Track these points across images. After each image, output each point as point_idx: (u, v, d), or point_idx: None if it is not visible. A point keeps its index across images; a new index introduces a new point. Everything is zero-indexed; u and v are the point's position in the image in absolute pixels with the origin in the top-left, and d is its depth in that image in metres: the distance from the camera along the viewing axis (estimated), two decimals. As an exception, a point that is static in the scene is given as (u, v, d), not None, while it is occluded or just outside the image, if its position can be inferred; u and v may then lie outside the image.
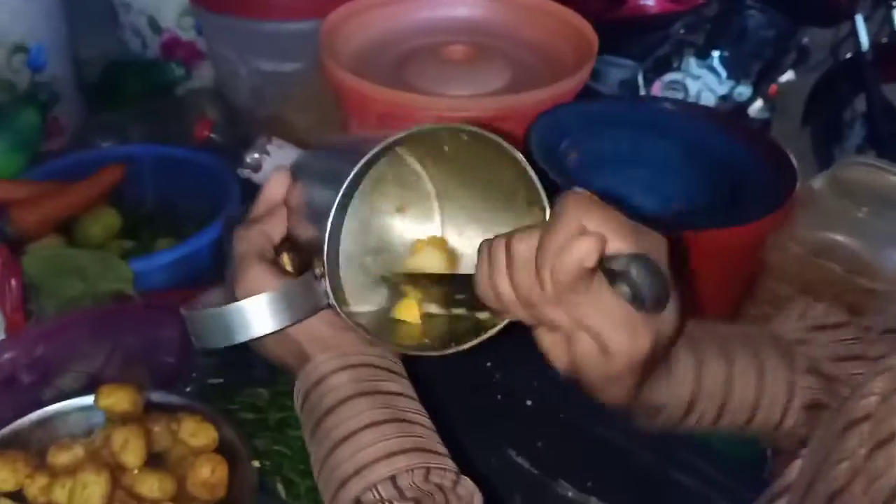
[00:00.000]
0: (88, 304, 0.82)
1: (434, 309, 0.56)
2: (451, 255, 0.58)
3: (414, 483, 0.46)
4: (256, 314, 0.49)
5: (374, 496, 0.46)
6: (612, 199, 0.73)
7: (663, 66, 2.38)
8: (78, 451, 0.66)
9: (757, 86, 2.24)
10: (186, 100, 1.18)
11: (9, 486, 0.64)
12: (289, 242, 0.55)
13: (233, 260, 0.54)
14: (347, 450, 0.48)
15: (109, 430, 0.66)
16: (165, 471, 0.66)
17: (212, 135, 1.05)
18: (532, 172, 0.50)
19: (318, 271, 0.50)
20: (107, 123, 1.16)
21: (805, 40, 2.28)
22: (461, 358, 0.85)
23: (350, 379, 0.50)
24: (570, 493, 0.73)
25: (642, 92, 2.28)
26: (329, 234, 0.48)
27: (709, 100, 2.23)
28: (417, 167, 0.58)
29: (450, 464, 0.49)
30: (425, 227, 0.59)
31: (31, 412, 0.69)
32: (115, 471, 0.64)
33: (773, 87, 2.21)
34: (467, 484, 0.48)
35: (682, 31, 2.32)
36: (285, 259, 0.55)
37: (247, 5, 1.04)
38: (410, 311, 0.56)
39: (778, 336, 0.57)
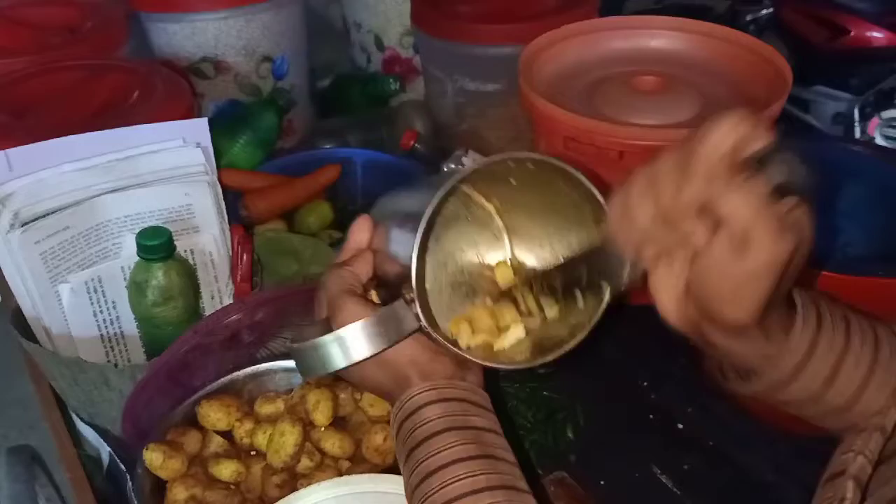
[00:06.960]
0: (299, 282, 0.90)
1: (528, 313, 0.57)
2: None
3: None
4: (355, 341, 0.51)
5: None
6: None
7: (885, 101, 2.18)
8: (279, 405, 0.73)
9: None
10: (399, 111, 1.24)
11: (222, 425, 0.72)
12: (375, 281, 0.57)
13: (324, 298, 0.55)
14: (436, 481, 0.49)
15: (305, 391, 0.72)
16: (346, 432, 0.72)
17: (416, 144, 1.12)
18: (595, 189, 0.50)
19: (408, 297, 0.51)
20: (331, 128, 1.26)
21: None
22: (620, 374, 0.89)
23: (442, 412, 0.51)
24: (709, 516, 0.72)
25: (857, 127, 2.13)
26: (416, 257, 0.49)
27: (933, 142, 2.02)
28: (485, 203, 0.59)
29: (531, 501, 0.49)
30: (498, 258, 0.61)
31: (247, 367, 0.76)
32: (307, 426, 0.70)
33: None
34: None
35: (909, 66, 2.11)
36: (374, 296, 0.57)
37: (458, 30, 1.10)
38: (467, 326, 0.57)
39: None
